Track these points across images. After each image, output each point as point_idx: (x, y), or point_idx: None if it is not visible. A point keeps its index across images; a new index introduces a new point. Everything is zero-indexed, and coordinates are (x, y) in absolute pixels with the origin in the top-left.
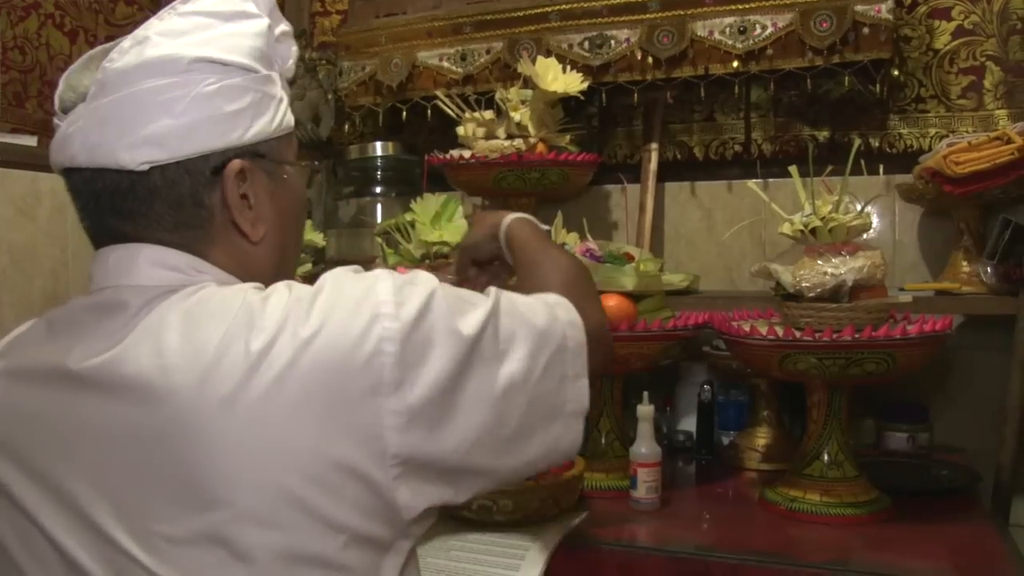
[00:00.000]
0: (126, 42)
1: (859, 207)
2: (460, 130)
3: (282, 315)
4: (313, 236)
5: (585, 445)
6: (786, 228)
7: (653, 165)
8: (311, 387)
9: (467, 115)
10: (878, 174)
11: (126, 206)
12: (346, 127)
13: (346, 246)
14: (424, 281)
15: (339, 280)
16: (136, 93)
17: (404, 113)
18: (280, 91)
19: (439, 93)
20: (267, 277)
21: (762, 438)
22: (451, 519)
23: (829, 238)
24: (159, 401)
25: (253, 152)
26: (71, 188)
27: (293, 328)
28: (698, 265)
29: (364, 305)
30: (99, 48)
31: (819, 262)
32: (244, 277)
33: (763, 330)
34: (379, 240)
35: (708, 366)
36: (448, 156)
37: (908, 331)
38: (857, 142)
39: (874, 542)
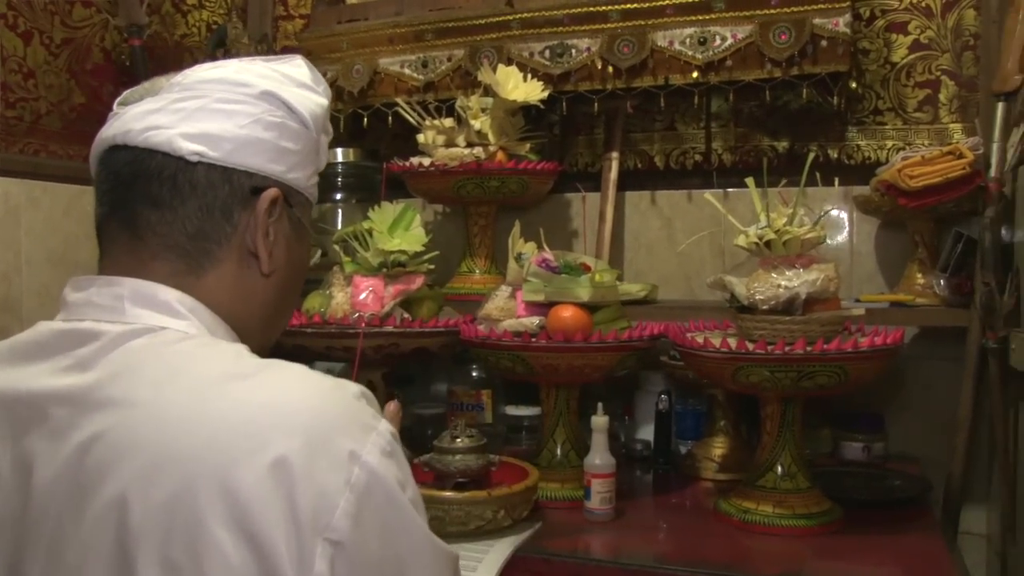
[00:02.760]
0: (207, 63)
1: (817, 218)
2: (420, 137)
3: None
4: None
5: (540, 455)
6: (741, 240)
7: (613, 174)
8: None
9: (427, 122)
10: (836, 185)
11: (163, 193)
12: None
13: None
14: None
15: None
16: (207, 96)
17: (366, 119)
18: (317, 164)
19: (399, 100)
20: (264, 315)
21: (719, 448)
22: None
23: (784, 251)
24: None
25: (287, 196)
26: (107, 168)
27: None
28: (658, 274)
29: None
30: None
31: (773, 275)
32: (241, 307)
33: (716, 342)
34: (337, 248)
35: (666, 376)
36: (408, 164)
37: (860, 344)
38: (811, 155)
39: (825, 553)
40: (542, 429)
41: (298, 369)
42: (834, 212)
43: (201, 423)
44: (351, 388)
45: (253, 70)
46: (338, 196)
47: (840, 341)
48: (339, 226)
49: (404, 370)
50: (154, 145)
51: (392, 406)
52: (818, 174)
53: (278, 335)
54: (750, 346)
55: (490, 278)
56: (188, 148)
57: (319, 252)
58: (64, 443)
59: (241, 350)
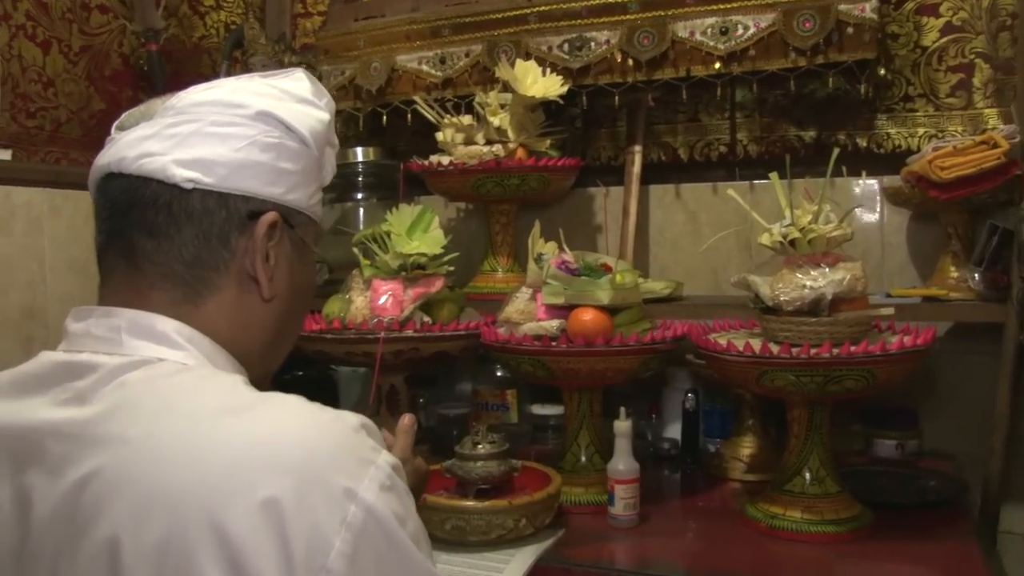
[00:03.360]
0: (203, 84)
1: (843, 214)
2: (439, 135)
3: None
4: None
5: (563, 458)
6: (765, 239)
7: (636, 168)
8: None
9: (446, 120)
10: (865, 176)
11: (158, 221)
12: None
13: (327, 253)
14: None
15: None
16: (201, 120)
17: (385, 117)
18: (320, 181)
19: (417, 98)
20: (265, 341)
21: (747, 448)
22: None
23: (809, 249)
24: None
25: (287, 217)
26: (104, 196)
27: None
28: (683, 269)
29: None
30: (170, 93)
31: (798, 275)
32: (241, 334)
33: (740, 345)
34: (356, 251)
35: (692, 374)
36: (427, 163)
37: (888, 346)
38: (836, 151)
39: (855, 561)
40: (565, 432)
41: (295, 402)
42: (863, 202)
43: (193, 461)
44: (350, 420)
45: (250, 88)
46: (359, 195)
47: (868, 343)
48: (361, 225)
49: (427, 371)
50: (148, 173)
51: (406, 419)
52: (844, 168)
53: (283, 358)
54: (774, 349)
55: (512, 276)
56: (182, 175)
57: (326, 270)
58: (61, 479)
59: (238, 382)
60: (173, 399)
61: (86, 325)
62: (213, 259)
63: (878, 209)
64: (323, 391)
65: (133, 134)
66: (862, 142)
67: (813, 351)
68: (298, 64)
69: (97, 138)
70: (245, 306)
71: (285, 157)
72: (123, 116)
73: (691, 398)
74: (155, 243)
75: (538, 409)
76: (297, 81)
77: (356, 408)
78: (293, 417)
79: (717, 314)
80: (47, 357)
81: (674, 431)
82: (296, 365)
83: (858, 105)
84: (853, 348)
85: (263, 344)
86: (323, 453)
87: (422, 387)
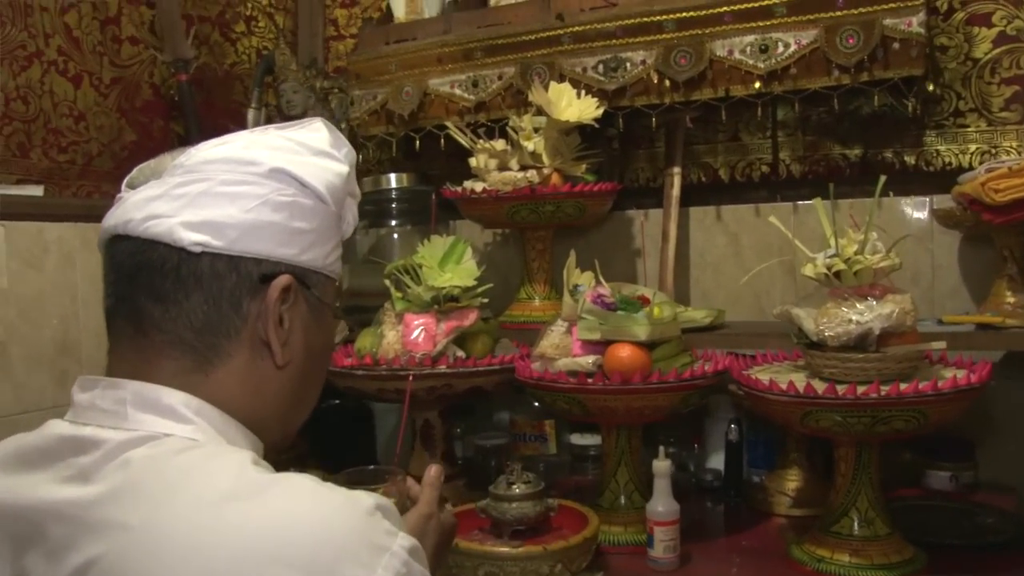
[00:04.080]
0: (214, 140)
1: (892, 243)
2: (472, 161)
3: None
4: None
5: (602, 495)
6: (809, 270)
7: (676, 191)
8: None
9: (479, 145)
10: (914, 195)
11: (165, 287)
12: (360, 157)
13: (362, 282)
14: None
15: None
16: (211, 179)
17: (418, 142)
18: (339, 237)
19: (450, 124)
20: (281, 407)
21: (792, 481)
22: None
23: (855, 281)
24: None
25: (302, 277)
26: (111, 258)
27: None
28: (725, 294)
29: None
30: (180, 148)
31: (843, 308)
32: (255, 402)
33: (783, 383)
34: (387, 283)
35: (735, 404)
36: (460, 190)
37: (940, 385)
38: (882, 179)
39: None
40: (603, 468)
41: (305, 486)
42: (912, 222)
43: (195, 553)
44: (363, 503)
45: (263, 143)
46: (393, 222)
47: (918, 381)
48: (396, 252)
49: (463, 402)
50: (155, 236)
51: (432, 471)
52: (891, 192)
53: (302, 423)
54: (819, 388)
55: (549, 304)
56: (190, 239)
57: (346, 328)
58: (61, 566)
59: (246, 462)
60: (177, 483)
61: (91, 396)
62: (224, 325)
63: (928, 229)
64: (359, 420)
65: (140, 194)
66: (910, 160)
67: (860, 390)
68: (330, 89)
69: (129, 169)
70: (258, 373)
71: (299, 216)
72: (133, 172)
73: (734, 429)
74: (163, 309)
75: (577, 439)
76: (314, 132)
77: (391, 440)
78: (302, 504)
79: (760, 344)
80: (53, 429)
81: (717, 461)
82: (333, 394)
83: (906, 121)
84: (903, 387)
85: (279, 411)
86: (334, 543)
87: (458, 418)
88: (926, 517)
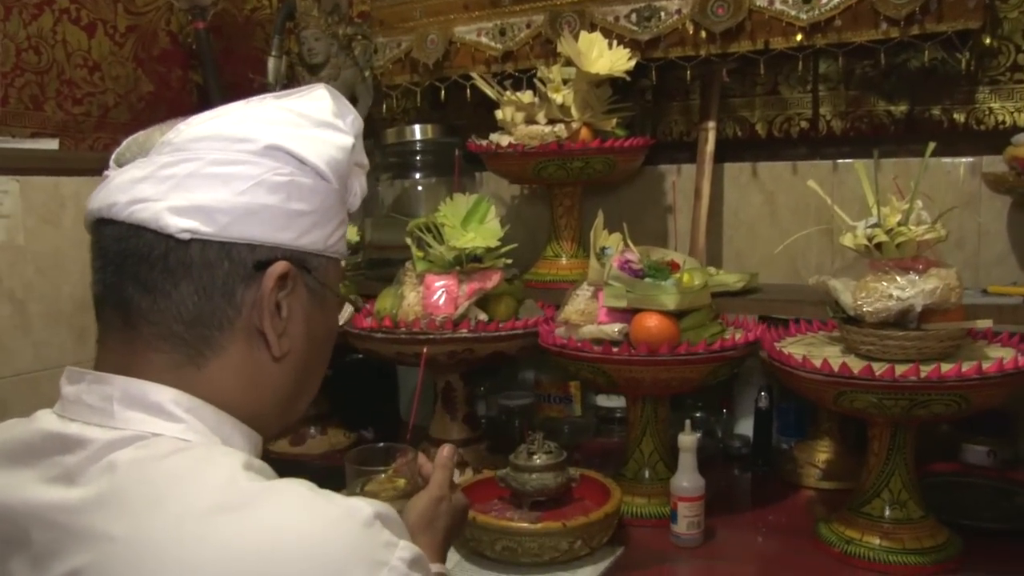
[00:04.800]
0: (206, 113)
1: (938, 214)
2: (499, 113)
3: None
4: (347, 232)
5: (626, 465)
6: (848, 240)
7: (710, 146)
8: None
9: (506, 97)
10: (962, 156)
11: (153, 277)
12: (384, 107)
13: (385, 235)
14: None
15: None
16: (200, 159)
17: (443, 92)
18: (344, 215)
19: (475, 74)
20: (280, 399)
21: (823, 452)
22: (475, 556)
23: (896, 254)
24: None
25: (302, 261)
26: (97, 244)
27: None
28: (759, 255)
29: None
30: (174, 119)
31: (883, 282)
32: (252, 395)
33: (817, 359)
34: (409, 242)
35: (766, 370)
36: (486, 144)
37: (986, 369)
38: (931, 145)
39: None
40: (627, 437)
41: (299, 496)
42: (959, 183)
43: (179, 570)
44: (361, 514)
45: (259, 116)
46: (417, 175)
47: (961, 364)
48: (421, 205)
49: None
50: (140, 222)
51: (445, 452)
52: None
53: (303, 411)
54: (854, 368)
55: (577, 263)
56: (177, 225)
57: (350, 310)
58: (44, 574)
59: (236, 467)
60: (162, 492)
61: (78, 391)
62: (216, 317)
63: (975, 193)
64: (382, 377)
65: (125, 174)
66: (960, 117)
67: (898, 371)
68: (353, 36)
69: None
70: (255, 365)
71: (297, 197)
72: (122, 146)
73: (764, 396)
74: (151, 300)
75: (603, 401)
76: (316, 101)
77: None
78: (296, 516)
79: (794, 311)
80: (40, 423)
81: (746, 427)
82: (355, 349)
83: (957, 76)
84: (944, 369)
85: (278, 404)
86: (327, 561)
87: (482, 377)
88: (962, 496)
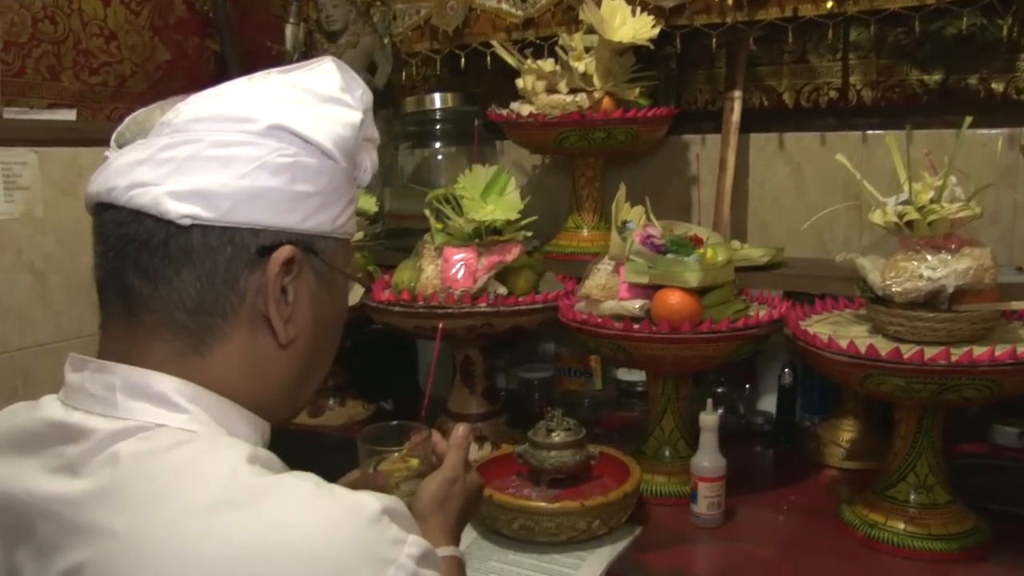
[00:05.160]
0: (208, 91)
1: (973, 192)
2: (519, 82)
3: None
4: (364, 201)
5: (646, 443)
6: (877, 217)
7: (735, 116)
8: None
9: (527, 65)
10: (999, 127)
11: (153, 263)
12: (404, 74)
13: (405, 204)
14: None
15: None
16: (200, 140)
17: (463, 60)
18: (353, 193)
19: (495, 42)
20: (287, 386)
21: (847, 431)
22: (491, 534)
23: (928, 232)
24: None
25: (308, 245)
26: (98, 228)
27: None
28: (785, 228)
29: None
30: (177, 96)
31: (914, 262)
32: (257, 383)
33: (843, 339)
34: (428, 213)
35: (790, 346)
36: (507, 113)
37: (1020, 354)
38: (967, 120)
39: None
40: (648, 414)
41: (304, 492)
42: (996, 155)
43: (179, 568)
44: (367, 510)
45: (262, 93)
46: (437, 144)
47: (994, 348)
48: (442, 174)
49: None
50: (140, 207)
51: (460, 431)
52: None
53: (313, 394)
54: (882, 350)
55: (598, 235)
56: (178, 211)
57: (359, 291)
58: (48, 566)
59: (240, 461)
60: (164, 487)
61: (81, 379)
62: (219, 304)
63: (1012, 165)
64: (401, 348)
65: (124, 157)
66: (998, 87)
67: (928, 354)
68: (372, 2)
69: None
70: (260, 353)
71: (302, 178)
72: (122, 125)
73: (788, 374)
74: (152, 287)
75: (624, 375)
76: (323, 75)
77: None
78: (297, 514)
79: (820, 287)
80: (45, 411)
81: (769, 403)
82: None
83: (996, 43)
84: (976, 353)
85: (285, 390)
86: (331, 560)
87: (502, 350)
88: (990, 479)
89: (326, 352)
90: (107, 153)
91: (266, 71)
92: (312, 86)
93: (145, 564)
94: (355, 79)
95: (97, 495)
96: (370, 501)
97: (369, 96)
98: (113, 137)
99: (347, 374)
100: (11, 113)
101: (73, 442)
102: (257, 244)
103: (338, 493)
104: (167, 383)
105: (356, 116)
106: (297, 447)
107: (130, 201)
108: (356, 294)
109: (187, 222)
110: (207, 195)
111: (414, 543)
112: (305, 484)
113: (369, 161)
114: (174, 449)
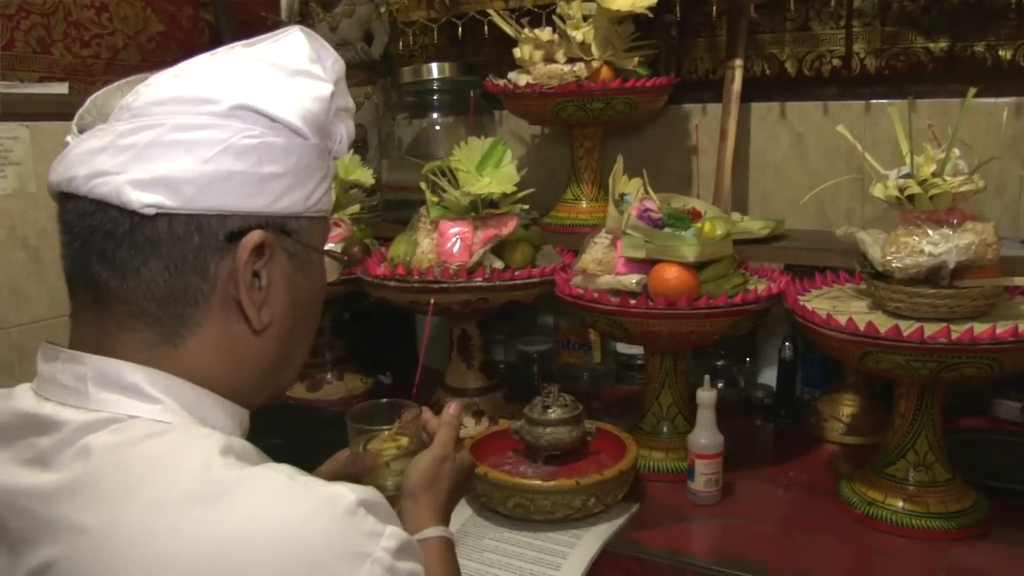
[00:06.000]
0: (168, 71)
1: (976, 165)
2: (517, 52)
3: None
4: (360, 174)
5: (643, 418)
6: (878, 191)
7: (736, 85)
8: None
9: (524, 34)
10: (1006, 95)
11: (119, 254)
12: (400, 44)
13: (402, 175)
14: None
15: None
16: (161, 125)
17: (460, 29)
18: (327, 168)
19: (492, 11)
20: (265, 370)
21: (848, 406)
22: (487, 512)
23: (930, 206)
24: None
25: (280, 226)
26: (61, 216)
27: None
28: (786, 198)
29: None
30: (139, 75)
31: (915, 236)
32: (233, 370)
33: (842, 315)
34: (424, 186)
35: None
36: (504, 83)
37: (1021, 331)
38: (971, 92)
39: (965, 565)
40: (645, 390)
41: (277, 485)
42: (1002, 125)
43: (151, 564)
44: (343, 502)
45: (226, 70)
46: (435, 114)
47: (995, 326)
48: (440, 145)
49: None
50: (102, 197)
51: (451, 409)
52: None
53: (294, 376)
54: (881, 327)
55: (597, 207)
56: (140, 200)
57: (340, 269)
58: (19, 563)
59: (213, 453)
60: (135, 480)
61: (52, 369)
62: (189, 293)
63: (1019, 136)
64: (399, 321)
65: (84, 144)
66: (1005, 55)
67: (928, 332)
68: None
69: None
70: (234, 340)
71: (269, 159)
72: (83, 108)
73: (788, 347)
74: (119, 278)
75: (623, 348)
76: (290, 46)
77: (432, 343)
78: (274, 506)
79: (821, 259)
80: (18, 401)
81: (769, 377)
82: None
83: (1005, 9)
84: (977, 331)
85: (261, 375)
86: (305, 554)
87: (500, 322)
88: (991, 454)
89: (305, 332)
90: (68, 138)
91: (230, 45)
92: (279, 59)
93: (114, 561)
94: (325, 48)
95: (68, 489)
96: (345, 493)
97: (341, 65)
98: (74, 120)
99: (345, 347)
100: (1, 87)
101: (44, 434)
102: (225, 230)
103: (312, 485)
104: (139, 374)
105: (326, 88)
106: (295, 421)
107: (92, 191)
108: (335, 270)
109: (151, 211)
110: (170, 182)
111: (392, 535)
112: (278, 476)
113: (345, 131)
114: (146, 441)
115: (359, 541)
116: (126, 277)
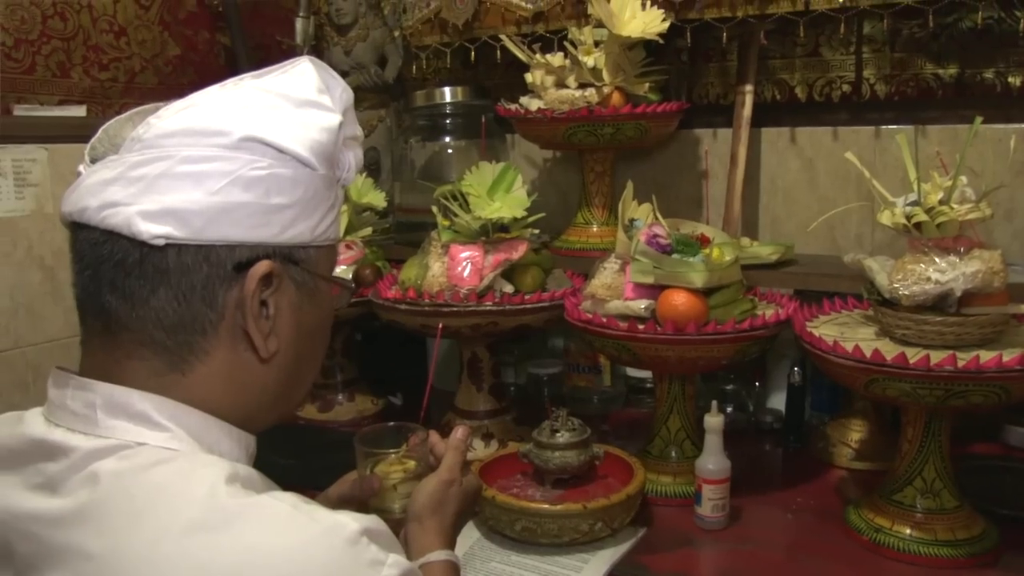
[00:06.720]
0: (179, 102)
1: (980, 182)
2: (528, 77)
3: None
4: (373, 196)
5: (651, 442)
6: (886, 218)
7: (747, 111)
8: None
9: (536, 60)
10: (1015, 122)
11: (128, 284)
12: (414, 67)
13: (414, 199)
14: None
15: None
16: (171, 157)
17: (473, 53)
18: (334, 198)
19: (504, 37)
20: (272, 397)
21: (856, 431)
22: (494, 535)
23: (937, 234)
24: None
25: (287, 256)
26: (73, 245)
27: None
28: (796, 223)
29: None
30: (150, 105)
31: (922, 264)
32: (240, 398)
33: (849, 342)
34: (435, 210)
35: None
36: (515, 108)
37: None
38: (978, 120)
39: None
40: (654, 414)
41: (280, 513)
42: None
43: None
44: (346, 531)
45: (235, 102)
46: (447, 138)
47: (1002, 354)
48: (452, 168)
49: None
50: (113, 227)
51: (458, 433)
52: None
53: (301, 400)
54: (887, 354)
55: (608, 231)
56: (150, 231)
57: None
58: None
59: (218, 481)
60: (141, 507)
61: (63, 395)
62: (198, 322)
63: None
64: (410, 342)
65: (96, 175)
66: (1015, 81)
67: (934, 359)
68: None
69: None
70: (241, 368)
71: (277, 190)
72: (95, 138)
73: (798, 372)
74: (128, 307)
75: (633, 371)
76: (299, 77)
77: (443, 364)
78: (274, 537)
79: (830, 285)
80: (28, 427)
81: (778, 401)
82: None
83: (1013, 36)
84: (984, 359)
85: (270, 401)
86: None
87: (511, 345)
88: (1001, 481)
89: (313, 357)
90: (80, 168)
91: (240, 77)
92: (287, 90)
93: None
94: (334, 78)
95: (75, 515)
96: (348, 522)
97: (349, 94)
98: (86, 150)
99: (356, 368)
100: (21, 110)
101: (53, 460)
102: (233, 260)
103: (316, 514)
104: (148, 401)
105: (334, 119)
106: (305, 441)
107: (103, 222)
108: (344, 297)
109: (160, 242)
110: (180, 214)
111: (394, 563)
112: (282, 505)
113: (353, 159)
114: (153, 468)
115: (361, 570)
116: (135, 306)
